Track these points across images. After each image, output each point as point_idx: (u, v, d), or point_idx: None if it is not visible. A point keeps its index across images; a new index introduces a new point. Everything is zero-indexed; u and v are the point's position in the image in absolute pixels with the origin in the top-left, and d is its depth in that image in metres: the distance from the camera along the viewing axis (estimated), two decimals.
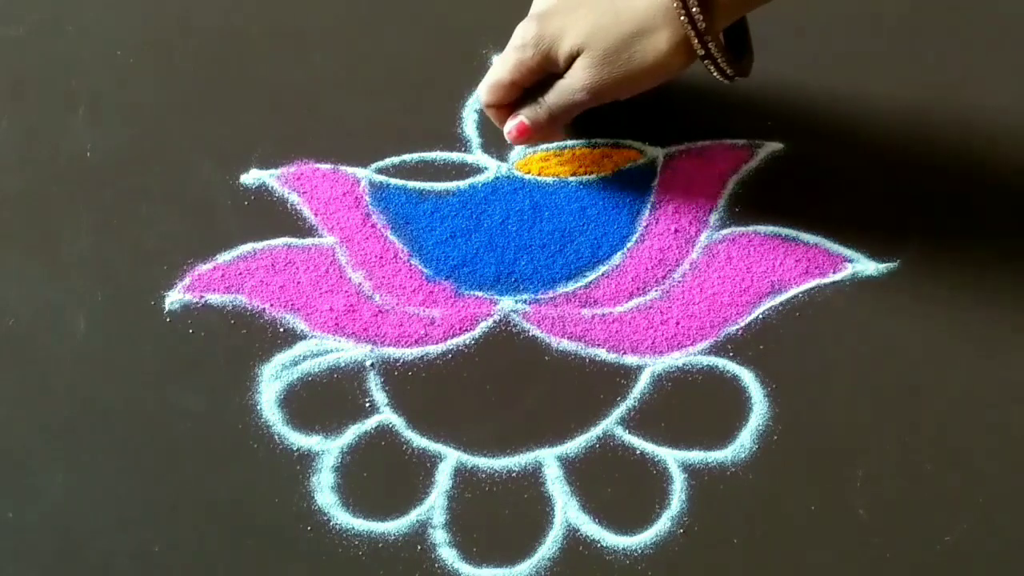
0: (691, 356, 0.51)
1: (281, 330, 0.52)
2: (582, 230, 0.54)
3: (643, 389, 0.50)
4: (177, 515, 0.48)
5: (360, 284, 0.53)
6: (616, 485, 0.48)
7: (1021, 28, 0.59)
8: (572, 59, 0.48)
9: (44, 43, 0.61)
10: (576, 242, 0.54)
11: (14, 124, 0.58)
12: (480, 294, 0.52)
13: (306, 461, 0.49)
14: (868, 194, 0.54)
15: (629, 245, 0.53)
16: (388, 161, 0.56)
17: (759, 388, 0.50)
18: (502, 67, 0.50)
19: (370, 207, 0.55)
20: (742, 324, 0.51)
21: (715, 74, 0.48)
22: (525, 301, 0.52)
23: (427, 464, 0.49)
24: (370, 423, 0.50)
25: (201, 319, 0.52)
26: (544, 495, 0.48)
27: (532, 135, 0.51)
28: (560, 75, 0.49)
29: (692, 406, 0.50)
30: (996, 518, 0.47)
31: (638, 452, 0.49)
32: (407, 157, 0.56)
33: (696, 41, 0.46)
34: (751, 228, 0.54)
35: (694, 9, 0.45)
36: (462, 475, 0.48)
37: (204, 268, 0.53)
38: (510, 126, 0.51)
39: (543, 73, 0.50)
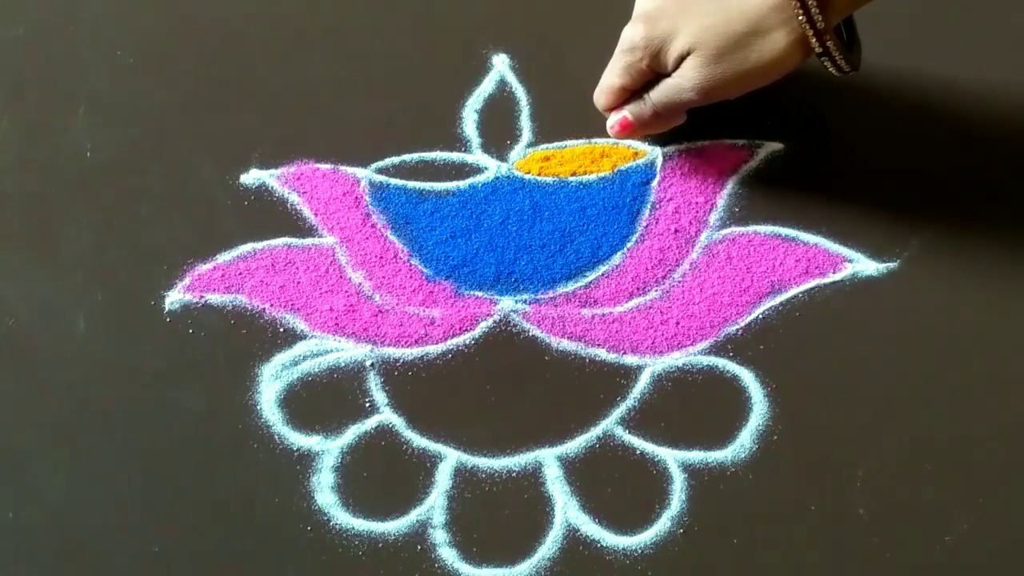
0: (691, 356, 0.51)
1: (281, 330, 0.52)
2: (582, 230, 0.54)
3: (643, 389, 0.50)
4: (177, 515, 0.48)
5: (360, 284, 0.53)
6: (616, 485, 0.48)
7: (1022, 29, 0.59)
8: (681, 59, 0.49)
9: (44, 43, 0.61)
10: (576, 242, 0.54)
11: (14, 124, 0.58)
12: (480, 294, 0.52)
13: (306, 461, 0.49)
14: (868, 194, 0.54)
15: (629, 245, 0.53)
16: (388, 161, 0.56)
17: (759, 388, 0.50)
18: (610, 71, 0.51)
19: (370, 207, 0.55)
20: (742, 324, 0.51)
21: (830, 69, 0.48)
22: (525, 301, 0.52)
23: (427, 464, 0.49)
24: (370, 423, 0.50)
25: (201, 319, 0.52)
26: (544, 495, 0.48)
27: (635, 131, 0.52)
28: (668, 75, 0.50)
29: (692, 406, 0.50)
30: (996, 518, 0.47)
31: (638, 452, 0.49)
32: (407, 157, 0.56)
33: (815, 40, 0.46)
34: (751, 228, 0.54)
35: (813, 9, 0.45)
36: (462, 475, 0.48)
37: (204, 268, 0.53)
38: (613, 120, 0.53)
39: (652, 75, 0.50)
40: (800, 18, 0.46)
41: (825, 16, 0.46)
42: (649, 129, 0.53)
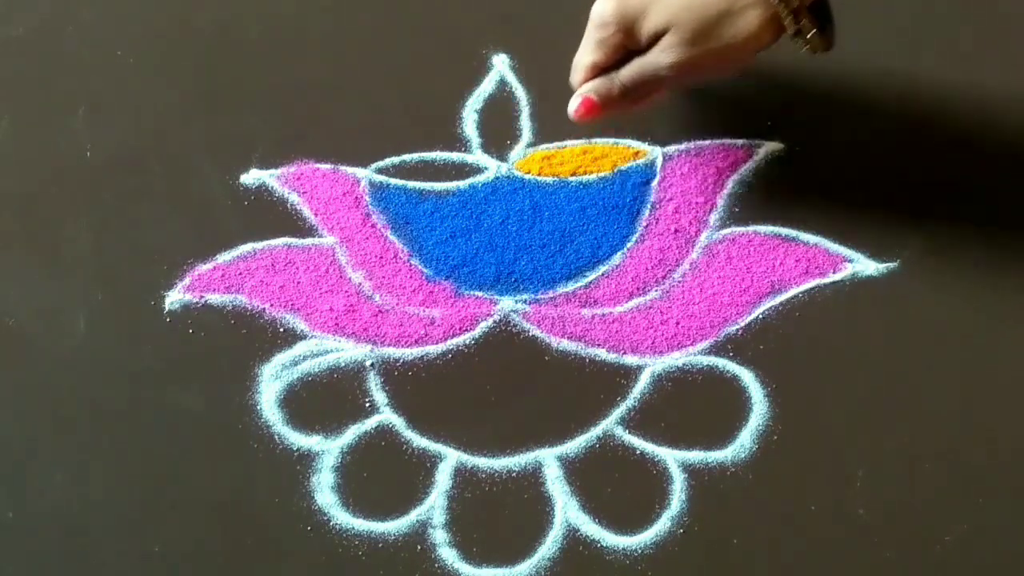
0: (691, 356, 0.51)
1: (281, 330, 0.52)
2: (582, 230, 0.54)
3: (643, 389, 0.50)
4: (177, 515, 0.48)
5: (360, 284, 0.53)
6: (616, 485, 0.48)
7: (1021, 29, 0.59)
8: (656, 37, 0.48)
9: (44, 43, 0.61)
10: (576, 242, 0.54)
11: (14, 124, 0.58)
12: (480, 294, 0.52)
13: (306, 461, 0.49)
14: (868, 194, 0.54)
15: (629, 245, 0.53)
16: (388, 161, 0.56)
17: (759, 388, 0.50)
18: (582, 48, 0.49)
19: (370, 207, 0.55)
20: (742, 324, 0.51)
21: (804, 49, 0.48)
22: (525, 301, 0.52)
23: (427, 464, 0.49)
24: (370, 423, 0.50)
25: (201, 319, 0.52)
26: (544, 495, 0.48)
27: (599, 111, 0.50)
28: (640, 51, 0.49)
29: (692, 406, 0.50)
30: (996, 518, 0.47)
31: (638, 452, 0.49)
32: (407, 157, 0.56)
33: (790, 19, 0.46)
34: (751, 228, 0.54)
35: None
36: (462, 475, 0.48)
37: (204, 268, 0.53)
38: (575, 102, 0.50)
39: (624, 51, 0.49)
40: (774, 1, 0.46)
41: None
42: (615, 109, 0.50)
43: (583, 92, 0.50)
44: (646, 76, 0.49)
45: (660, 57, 0.48)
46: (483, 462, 0.49)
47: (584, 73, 0.50)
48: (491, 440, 0.49)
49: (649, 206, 0.54)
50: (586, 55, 0.50)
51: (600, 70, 0.50)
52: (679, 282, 0.53)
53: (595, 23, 0.49)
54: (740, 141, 0.56)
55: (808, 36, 0.47)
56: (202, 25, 0.61)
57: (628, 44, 0.49)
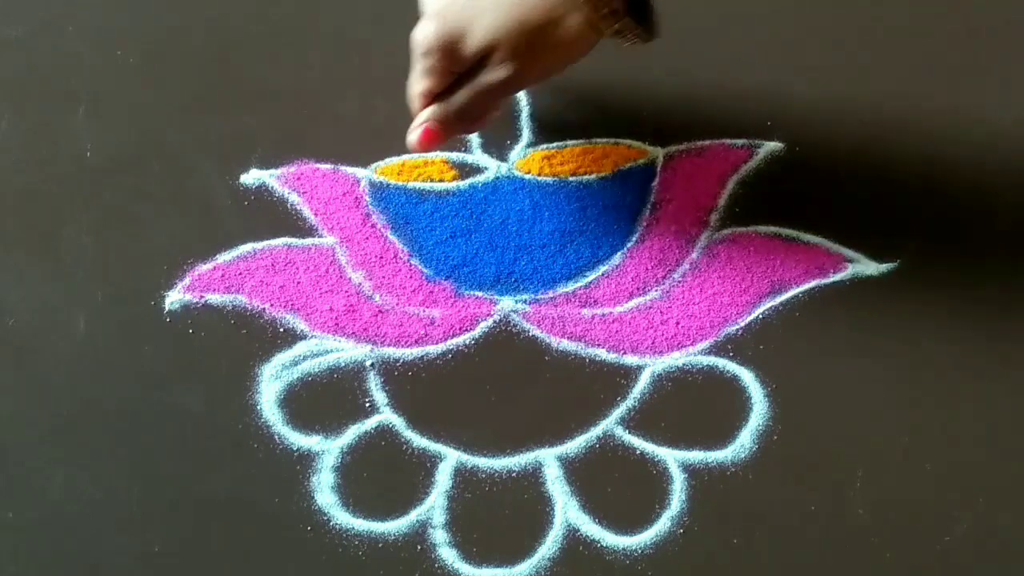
0: (691, 356, 0.51)
1: (281, 330, 0.52)
2: (582, 230, 0.54)
3: (643, 389, 0.50)
4: (177, 515, 0.48)
5: (360, 284, 0.53)
6: (616, 485, 0.48)
7: (1021, 31, 0.59)
8: (481, 56, 0.47)
9: (44, 43, 0.61)
10: (576, 242, 0.54)
11: (14, 124, 0.58)
12: (480, 294, 0.52)
13: (306, 461, 0.49)
14: (868, 194, 0.54)
15: (629, 245, 0.53)
16: (388, 161, 0.56)
17: (759, 388, 0.50)
18: (412, 78, 0.49)
19: (370, 207, 0.55)
20: (742, 324, 0.51)
21: (628, 44, 0.48)
22: (525, 301, 0.52)
23: (427, 464, 0.49)
24: (370, 423, 0.50)
25: (201, 319, 0.52)
26: (544, 495, 0.48)
27: (441, 138, 0.49)
28: (467, 71, 0.48)
29: (692, 406, 0.50)
30: (996, 518, 0.47)
31: (638, 452, 0.49)
32: (407, 157, 0.56)
33: (606, 23, 0.46)
34: (751, 228, 0.54)
35: None
36: (462, 475, 0.48)
37: (204, 268, 0.53)
38: (413, 135, 0.49)
39: (452, 75, 0.48)
40: (587, 6, 0.46)
41: None
42: (455, 132, 0.50)
43: (420, 122, 0.49)
44: (480, 96, 0.48)
45: (491, 76, 0.48)
46: (483, 462, 0.49)
47: (419, 102, 0.49)
48: (491, 440, 0.49)
49: (649, 206, 0.54)
50: (417, 84, 0.49)
51: (433, 96, 0.49)
52: (679, 282, 0.53)
53: (420, 51, 0.48)
54: (740, 141, 0.56)
55: (628, 34, 0.47)
56: (202, 25, 0.61)
57: (453, 68, 0.48)
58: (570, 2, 0.46)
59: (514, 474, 0.49)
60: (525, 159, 0.56)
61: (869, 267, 0.52)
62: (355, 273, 0.53)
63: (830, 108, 0.57)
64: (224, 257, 0.53)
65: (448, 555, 0.47)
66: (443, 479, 0.48)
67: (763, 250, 0.53)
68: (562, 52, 0.48)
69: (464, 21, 0.47)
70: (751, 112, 0.55)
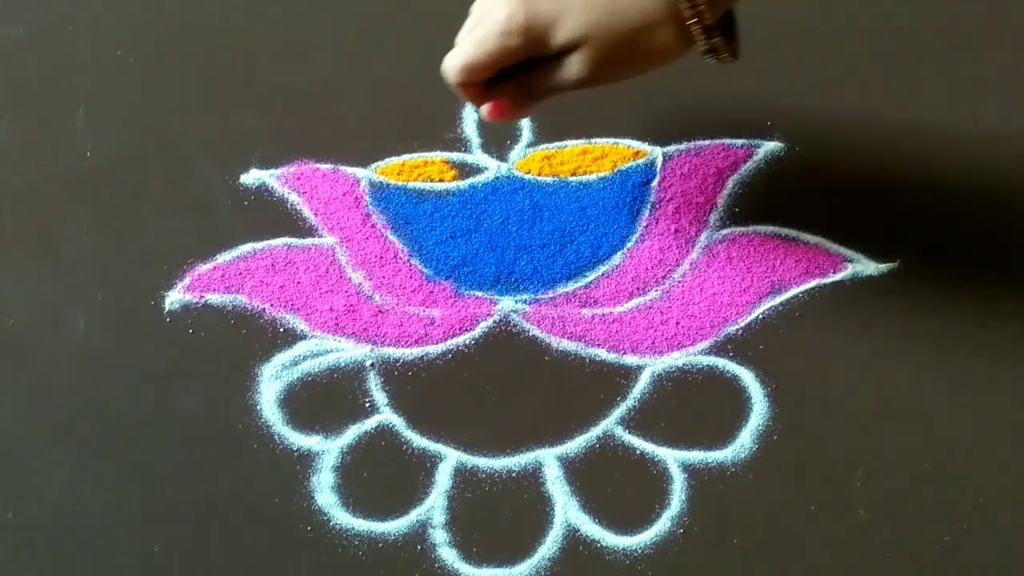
0: (691, 356, 0.51)
1: (281, 330, 0.52)
2: (582, 230, 0.54)
3: (643, 389, 0.50)
4: (177, 515, 0.48)
5: (360, 284, 0.53)
6: (616, 485, 0.48)
7: (1020, 31, 0.59)
8: (567, 48, 0.47)
9: (44, 43, 0.61)
10: (576, 242, 0.54)
11: (14, 124, 0.58)
12: (480, 294, 0.52)
13: (306, 461, 0.49)
14: (868, 194, 0.54)
15: (629, 245, 0.53)
16: (388, 161, 0.56)
17: (759, 388, 0.50)
18: (481, 50, 0.47)
19: (370, 207, 0.55)
20: (742, 324, 0.51)
21: (711, 60, 0.48)
22: (525, 301, 0.52)
23: (427, 464, 0.49)
24: (370, 423, 0.50)
25: (201, 319, 0.52)
26: (544, 495, 0.48)
27: (512, 116, 0.49)
28: (546, 59, 0.47)
29: (692, 406, 0.50)
30: (996, 518, 0.47)
31: (638, 452, 0.49)
32: (407, 157, 0.56)
33: (704, 37, 0.46)
34: (751, 228, 0.54)
35: (702, 6, 0.45)
36: (462, 475, 0.48)
37: (204, 268, 0.53)
38: (489, 106, 0.48)
39: (527, 57, 0.47)
40: (688, 14, 0.45)
41: (712, 12, 0.45)
42: (521, 115, 0.50)
43: (499, 96, 0.48)
44: (554, 87, 0.48)
45: (571, 71, 0.47)
46: (483, 462, 0.49)
47: (477, 76, 0.48)
48: (491, 440, 0.49)
49: (649, 206, 0.54)
50: (487, 57, 0.47)
51: (496, 72, 0.48)
52: (679, 282, 0.53)
53: (500, 29, 0.46)
54: (740, 141, 0.56)
55: (720, 51, 0.47)
56: (202, 25, 0.61)
57: (534, 53, 0.47)
58: (664, 13, 0.45)
59: (514, 474, 0.49)
60: (525, 159, 0.56)
61: (869, 267, 0.52)
62: (355, 273, 0.53)
63: (830, 108, 0.57)
64: (224, 257, 0.53)
65: (448, 555, 0.47)
66: (443, 479, 0.48)
67: (763, 250, 0.53)
68: (645, 62, 0.46)
69: (555, 12, 0.46)
70: (751, 112, 0.55)
